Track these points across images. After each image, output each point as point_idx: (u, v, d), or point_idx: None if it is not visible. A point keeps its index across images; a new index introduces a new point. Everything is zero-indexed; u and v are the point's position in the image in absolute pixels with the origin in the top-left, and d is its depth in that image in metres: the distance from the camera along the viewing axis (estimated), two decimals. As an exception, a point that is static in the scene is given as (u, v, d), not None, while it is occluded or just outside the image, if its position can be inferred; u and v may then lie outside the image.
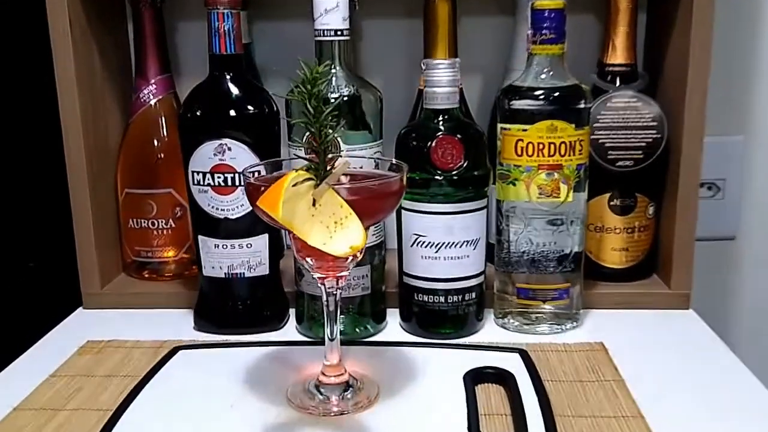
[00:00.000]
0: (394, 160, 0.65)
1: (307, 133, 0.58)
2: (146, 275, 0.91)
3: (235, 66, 0.77)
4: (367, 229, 0.55)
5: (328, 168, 0.56)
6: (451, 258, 0.76)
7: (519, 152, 0.75)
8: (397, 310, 0.81)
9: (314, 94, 0.54)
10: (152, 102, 0.88)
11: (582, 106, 0.75)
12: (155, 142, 0.89)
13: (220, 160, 0.75)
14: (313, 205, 0.54)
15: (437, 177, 0.74)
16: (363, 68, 0.95)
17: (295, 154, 0.70)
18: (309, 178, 0.55)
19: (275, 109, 0.78)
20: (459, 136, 0.74)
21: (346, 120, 0.72)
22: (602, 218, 0.87)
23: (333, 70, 0.74)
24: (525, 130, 0.74)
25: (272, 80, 0.94)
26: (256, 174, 0.62)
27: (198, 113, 0.76)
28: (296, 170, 0.55)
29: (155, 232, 0.90)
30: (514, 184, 0.76)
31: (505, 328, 0.80)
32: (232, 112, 0.76)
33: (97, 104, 0.87)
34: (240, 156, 0.75)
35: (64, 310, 0.88)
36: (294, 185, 0.53)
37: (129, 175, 0.90)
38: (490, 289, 0.81)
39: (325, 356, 0.66)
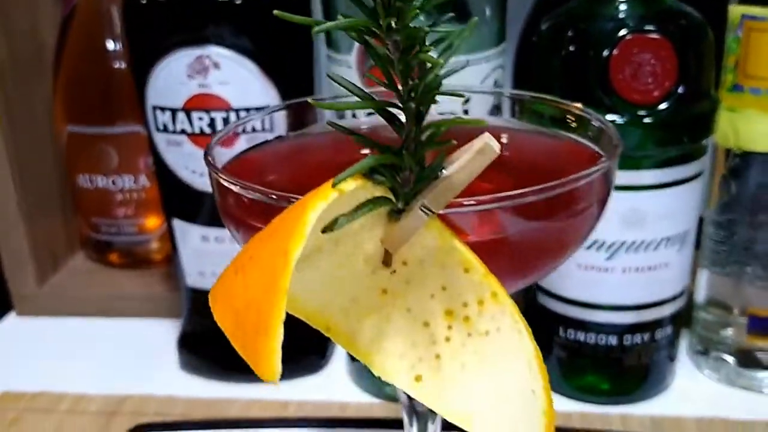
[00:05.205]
0: (587, 112, 0.28)
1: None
2: (113, 260, 0.58)
3: None
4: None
5: (430, 165, 0.18)
6: (636, 270, 0.40)
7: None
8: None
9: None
10: (102, -24, 0.53)
11: None
12: (111, 47, 0.54)
13: (201, 86, 0.40)
14: (386, 265, 0.18)
15: (621, 117, 0.37)
16: None
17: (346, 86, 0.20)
18: (374, 200, 0.18)
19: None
20: (666, 34, 0.37)
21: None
22: None
23: None
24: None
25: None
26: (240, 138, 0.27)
27: (156, -4, 0.41)
28: (335, 184, 0.17)
29: (120, 196, 0.56)
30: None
31: (712, 375, 0.45)
32: (221, -7, 0.40)
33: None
34: (236, 78, 0.40)
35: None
36: (325, 229, 0.17)
37: (72, 104, 0.55)
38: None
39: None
